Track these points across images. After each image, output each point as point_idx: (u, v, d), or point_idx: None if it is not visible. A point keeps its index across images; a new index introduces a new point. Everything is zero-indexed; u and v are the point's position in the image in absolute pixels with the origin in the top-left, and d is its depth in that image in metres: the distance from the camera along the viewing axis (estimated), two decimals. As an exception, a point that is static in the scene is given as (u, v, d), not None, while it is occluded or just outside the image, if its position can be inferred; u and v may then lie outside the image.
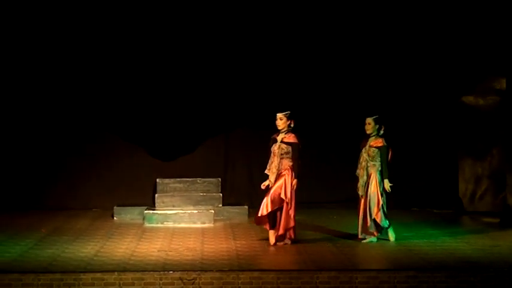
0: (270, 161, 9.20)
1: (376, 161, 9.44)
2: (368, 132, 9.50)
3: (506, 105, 11.45)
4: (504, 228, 10.54)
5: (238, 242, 9.47)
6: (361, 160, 9.49)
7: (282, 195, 9.07)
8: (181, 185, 11.65)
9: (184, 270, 7.85)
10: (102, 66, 12.02)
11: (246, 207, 11.54)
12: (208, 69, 12.16)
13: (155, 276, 7.73)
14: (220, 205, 11.50)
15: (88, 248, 8.99)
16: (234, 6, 11.88)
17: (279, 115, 9.24)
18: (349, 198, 12.31)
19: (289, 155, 9.14)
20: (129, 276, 7.72)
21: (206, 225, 10.88)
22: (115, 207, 11.44)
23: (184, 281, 7.72)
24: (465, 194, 12.14)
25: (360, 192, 9.47)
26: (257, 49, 12.07)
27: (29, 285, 7.61)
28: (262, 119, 12.26)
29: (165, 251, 8.92)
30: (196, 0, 11.89)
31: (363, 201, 9.45)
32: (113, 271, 7.81)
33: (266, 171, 9.21)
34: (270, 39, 12.04)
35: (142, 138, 12.30)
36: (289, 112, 9.22)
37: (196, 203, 11.42)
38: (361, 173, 9.47)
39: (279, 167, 9.12)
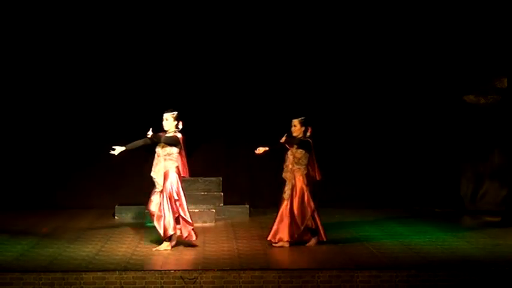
0: (154, 163, 8.91)
1: (301, 165, 9.06)
2: (294, 134, 9.12)
3: (508, 104, 11.44)
4: (505, 227, 10.54)
5: (239, 241, 9.47)
6: (287, 163, 9.14)
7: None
8: (182, 184, 11.61)
9: (186, 269, 7.85)
10: (105, 65, 12.03)
11: (247, 206, 11.55)
12: (210, 70, 12.17)
13: (156, 275, 7.74)
14: (222, 204, 11.49)
15: (89, 247, 8.99)
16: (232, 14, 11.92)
17: (165, 116, 8.91)
18: (351, 197, 12.39)
19: (171, 157, 8.88)
20: (131, 275, 7.73)
21: (207, 224, 10.88)
22: (116, 207, 11.44)
23: (186, 280, 7.72)
24: (466, 193, 12.13)
25: (285, 196, 9.09)
26: (259, 52, 12.09)
27: (30, 284, 7.62)
28: (263, 119, 12.33)
29: (166, 250, 8.91)
30: (197, 7, 11.90)
31: (287, 205, 9.05)
32: (114, 270, 7.81)
33: (152, 174, 8.90)
34: (270, 43, 12.05)
35: (143, 138, 12.28)
36: (176, 113, 8.94)
37: (197, 202, 11.41)
38: (288, 176, 9.10)
39: (164, 169, 8.85)
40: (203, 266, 8.05)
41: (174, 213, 8.86)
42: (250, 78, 12.21)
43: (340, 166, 12.41)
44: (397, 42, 12.13)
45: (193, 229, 8.96)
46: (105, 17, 11.91)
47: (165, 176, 8.88)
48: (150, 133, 8.81)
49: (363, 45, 12.17)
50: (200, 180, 11.66)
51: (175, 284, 7.71)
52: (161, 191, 8.90)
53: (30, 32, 11.93)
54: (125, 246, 9.13)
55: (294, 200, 9.05)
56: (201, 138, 12.47)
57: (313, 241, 9.14)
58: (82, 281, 7.66)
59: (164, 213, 8.82)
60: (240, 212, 11.46)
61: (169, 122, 8.94)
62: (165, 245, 8.87)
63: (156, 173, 8.90)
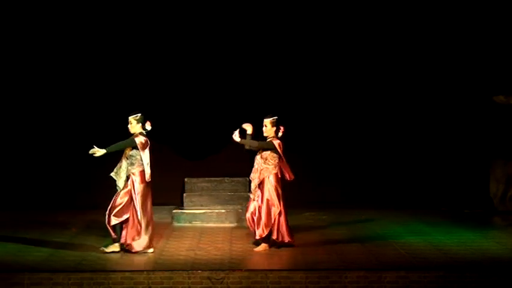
0: (118, 165, 8.74)
1: (269, 165, 8.90)
2: (265, 134, 8.95)
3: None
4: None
5: (266, 241, 9.46)
6: (255, 163, 9.00)
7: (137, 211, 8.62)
8: (209, 185, 11.66)
9: (213, 270, 7.87)
10: (133, 65, 12.11)
11: (274, 206, 11.53)
12: (236, 70, 12.19)
13: (184, 275, 7.76)
14: (248, 204, 11.49)
15: (118, 247, 9.03)
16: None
17: (129, 118, 8.77)
18: (379, 198, 12.33)
19: (133, 160, 8.70)
20: (158, 275, 7.76)
21: (234, 224, 10.88)
22: (144, 207, 11.49)
23: (213, 280, 7.73)
24: (496, 194, 12.01)
25: (252, 196, 8.98)
26: (286, 53, 12.11)
27: (59, 284, 7.69)
28: (291, 119, 12.30)
29: (194, 250, 8.94)
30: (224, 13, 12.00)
31: (253, 205, 8.95)
32: (142, 270, 7.85)
33: (111, 174, 8.71)
34: (292, 46, 12.07)
35: (170, 138, 12.34)
36: (139, 115, 8.76)
37: (224, 202, 11.43)
38: (254, 176, 8.97)
39: (126, 172, 8.69)
40: (230, 266, 8.06)
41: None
42: (279, 79, 12.23)
43: (368, 166, 12.36)
44: (428, 42, 12.07)
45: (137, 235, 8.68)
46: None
47: (128, 180, 8.72)
48: (95, 149, 8.66)
49: (392, 44, 12.13)
50: (227, 181, 11.67)
51: (202, 284, 7.72)
52: (117, 193, 8.69)
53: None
54: (153, 246, 9.16)
55: (262, 201, 8.87)
56: (227, 138, 12.49)
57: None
58: (110, 281, 7.71)
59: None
60: (267, 212, 11.43)
61: (133, 125, 8.78)
62: (113, 247, 8.71)
63: (117, 175, 8.72)
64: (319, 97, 12.28)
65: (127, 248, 8.71)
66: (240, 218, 11.01)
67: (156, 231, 10.20)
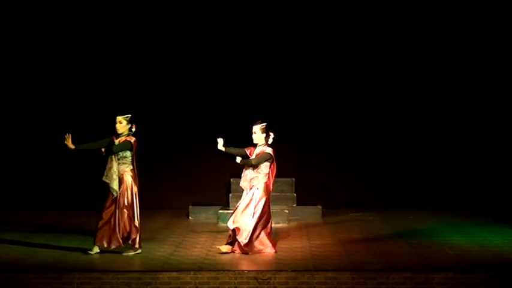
0: (107, 167, 8.60)
1: (260, 173, 8.70)
2: (255, 141, 8.77)
3: None
4: None
5: (312, 242, 9.45)
6: (244, 171, 8.80)
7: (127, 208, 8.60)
8: (255, 185, 11.66)
9: (259, 270, 7.89)
10: (179, 72, 12.22)
11: (320, 207, 11.51)
12: (281, 72, 12.21)
13: (230, 275, 7.80)
14: (295, 205, 11.48)
15: (164, 247, 9.13)
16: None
17: (118, 118, 8.65)
18: (426, 199, 12.19)
19: (125, 160, 8.64)
20: (205, 275, 7.82)
21: (280, 225, 10.88)
22: (190, 207, 11.59)
23: (259, 280, 7.76)
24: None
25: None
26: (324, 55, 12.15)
27: (108, 283, 7.80)
28: (336, 120, 12.28)
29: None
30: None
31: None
32: (189, 270, 7.92)
33: (103, 178, 8.58)
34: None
35: (216, 139, 12.40)
36: (129, 115, 8.66)
37: (270, 202, 11.41)
38: (245, 185, 8.78)
39: (118, 173, 8.59)
40: (277, 267, 8.07)
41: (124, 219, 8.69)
42: (323, 81, 12.22)
43: (416, 167, 12.22)
44: (470, 42, 11.94)
45: (138, 235, 8.67)
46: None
47: (121, 181, 8.71)
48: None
49: (437, 40, 12.03)
50: (273, 181, 11.67)
51: (249, 284, 7.75)
52: (116, 197, 8.67)
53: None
54: (199, 246, 9.24)
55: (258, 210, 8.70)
56: (274, 138, 12.50)
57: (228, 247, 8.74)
58: (158, 281, 7.80)
59: (118, 220, 8.69)
60: (313, 212, 11.43)
61: (123, 125, 8.72)
62: (133, 251, 8.71)
63: (109, 178, 8.66)
64: (366, 97, 12.22)
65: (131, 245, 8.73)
66: (287, 218, 11.02)
67: (203, 231, 10.32)
